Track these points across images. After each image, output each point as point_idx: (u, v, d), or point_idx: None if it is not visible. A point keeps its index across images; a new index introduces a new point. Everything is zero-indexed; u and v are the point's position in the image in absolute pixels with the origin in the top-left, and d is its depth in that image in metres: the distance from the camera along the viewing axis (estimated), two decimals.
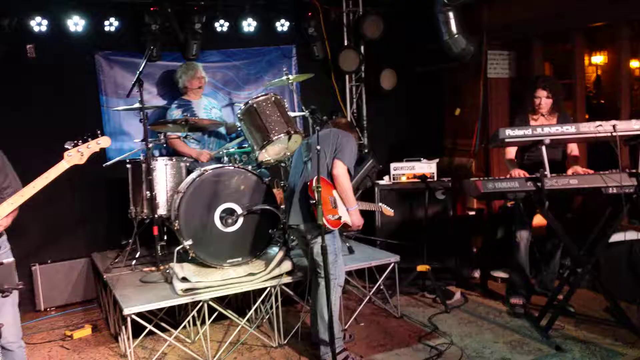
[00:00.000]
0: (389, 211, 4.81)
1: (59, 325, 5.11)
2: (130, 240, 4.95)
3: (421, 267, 5.12)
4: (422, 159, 5.67)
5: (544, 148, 4.11)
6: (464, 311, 4.90)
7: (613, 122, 4.05)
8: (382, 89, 6.81)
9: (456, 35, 6.11)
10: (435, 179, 5.59)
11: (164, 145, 5.24)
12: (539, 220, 4.81)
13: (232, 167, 4.62)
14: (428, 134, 7.05)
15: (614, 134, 4.02)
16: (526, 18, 5.85)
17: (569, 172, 4.30)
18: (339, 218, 3.88)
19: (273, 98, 4.73)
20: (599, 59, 7.54)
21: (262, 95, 4.75)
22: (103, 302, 5.08)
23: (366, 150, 6.84)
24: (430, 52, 6.55)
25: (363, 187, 5.79)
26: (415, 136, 6.95)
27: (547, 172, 4.08)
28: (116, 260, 4.94)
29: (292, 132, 4.56)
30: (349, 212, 4.02)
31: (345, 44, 6.81)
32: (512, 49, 6.43)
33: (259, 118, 4.66)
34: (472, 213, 5.96)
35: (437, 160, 5.67)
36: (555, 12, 5.58)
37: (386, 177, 5.76)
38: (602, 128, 4.07)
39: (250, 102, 4.72)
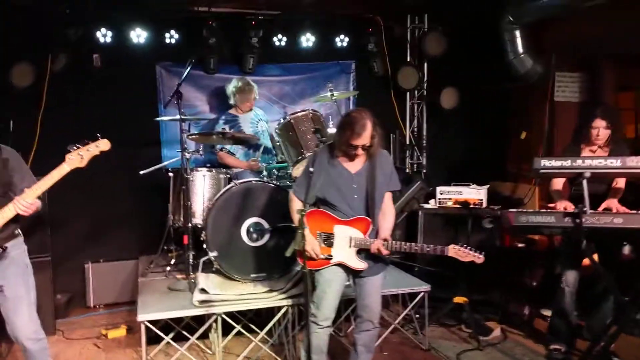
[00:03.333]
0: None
1: (100, 323, 5.33)
2: (164, 247, 5.08)
3: (458, 299, 4.85)
4: (471, 184, 5.38)
5: (584, 182, 3.74)
6: (498, 350, 4.57)
7: None
8: (442, 108, 6.56)
9: (522, 55, 5.79)
10: (485, 205, 5.27)
11: (201, 155, 5.29)
12: None
13: (262, 182, 4.62)
14: (490, 156, 6.70)
15: None
16: (598, 38, 5.39)
17: (602, 206, 3.90)
18: (328, 258, 3.54)
19: (311, 115, 4.74)
20: None
21: (300, 111, 4.77)
22: None
23: (417, 170, 6.64)
24: (494, 71, 6.22)
25: (409, 209, 5.61)
26: (477, 158, 6.60)
27: (587, 208, 3.71)
28: (151, 265, 5.10)
29: None
30: None
31: (408, 60, 6.64)
32: (583, 71, 5.96)
33: (294, 134, 4.67)
34: (520, 245, 5.57)
35: (487, 186, 5.35)
36: (632, 32, 5.10)
37: (432, 201, 5.53)
38: None
39: (288, 117, 4.76)
